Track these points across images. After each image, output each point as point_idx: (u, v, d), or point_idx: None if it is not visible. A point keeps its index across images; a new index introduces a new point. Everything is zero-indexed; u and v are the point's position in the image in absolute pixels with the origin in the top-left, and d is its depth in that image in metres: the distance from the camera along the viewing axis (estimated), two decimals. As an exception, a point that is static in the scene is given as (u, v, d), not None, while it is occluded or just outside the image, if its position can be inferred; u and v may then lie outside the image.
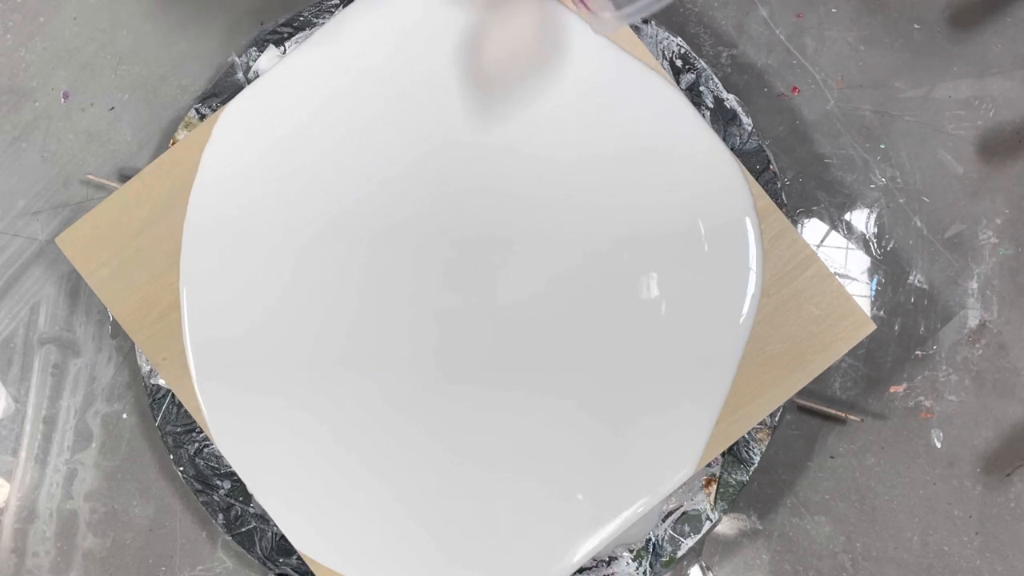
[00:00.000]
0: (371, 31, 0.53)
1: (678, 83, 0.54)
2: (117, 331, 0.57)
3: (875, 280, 0.57)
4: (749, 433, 0.53)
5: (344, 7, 0.54)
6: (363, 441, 0.51)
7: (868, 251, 0.57)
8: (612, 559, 0.53)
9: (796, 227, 0.56)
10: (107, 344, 0.57)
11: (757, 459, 0.53)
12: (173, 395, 0.53)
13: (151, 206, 0.52)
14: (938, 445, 0.56)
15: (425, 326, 0.52)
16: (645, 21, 0.54)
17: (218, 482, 0.53)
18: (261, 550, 0.53)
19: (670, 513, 0.53)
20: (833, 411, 0.55)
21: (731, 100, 0.54)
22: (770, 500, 0.56)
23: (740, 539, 0.56)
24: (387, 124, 0.52)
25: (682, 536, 0.53)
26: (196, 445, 0.53)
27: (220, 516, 0.53)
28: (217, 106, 0.55)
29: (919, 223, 0.57)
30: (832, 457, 0.56)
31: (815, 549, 0.56)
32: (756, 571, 0.56)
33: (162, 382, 0.53)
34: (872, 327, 0.52)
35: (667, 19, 0.57)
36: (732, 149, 0.53)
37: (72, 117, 0.58)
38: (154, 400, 0.54)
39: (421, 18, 0.53)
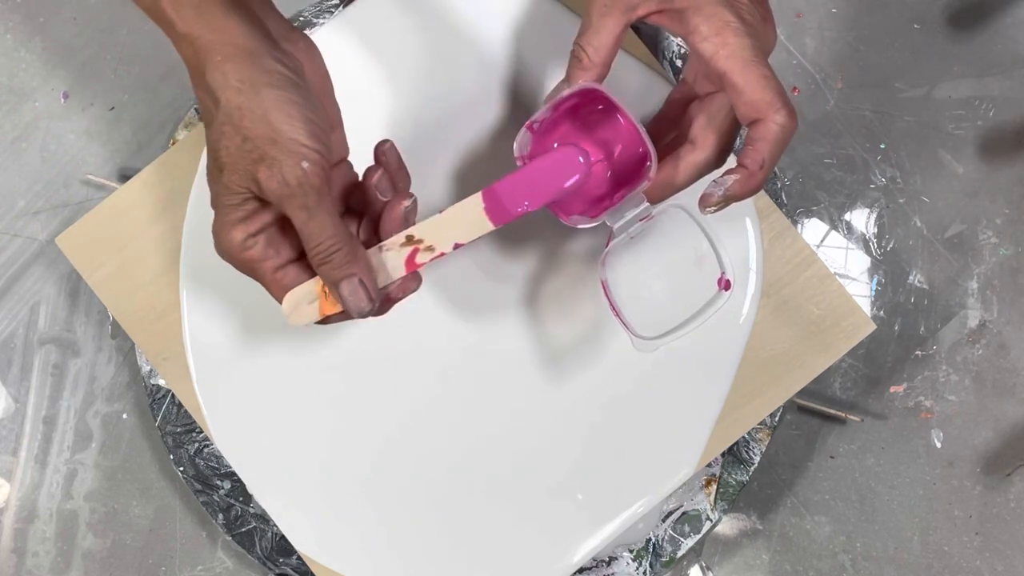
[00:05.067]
0: (371, 31, 0.53)
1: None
2: (117, 331, 0.57)
3: (875, 280, 0.57)
4: (749, 433, 0.53)
5: (344, 7, 0.54)
6: (363, 441, 0.51)
7: (868, 251, 0.57)
8: (612, 559, 0.53)
9: (796, 227, 0.55)
10: (107, 344, 0.57)
11: (757, 459, 0.53)
12: (173, 395, 0.53)
13: (151, 206, 0.52)
14: (938, 445, 0.56)
15: (428, 329, 0.52)
16: (643, 21, 0.54)
17: (218, 482, 0.53)
18: (261, 550, 0.53)
19: (670, 513, 0.53)
20: (833, 411, 0.55)
21: (731, 100, 0.54)
22: (770, 500, 0.56)
23: (740, 539, 0.56)
24: (385, 131, 0.52)
25: (682, 536, 0.53)
26: (196, 445, 0.53)
27: (220, 516, 0.53)
28: (217, 106, 0.55)
29: (919, 223, 0.57)
30: (832, 457, 0.56)
31: (815, 549, 0.56)
32: (756, 571, 0.56)
33: (162, 382, 0.53)
34: (872, 327, 0.52)
35: (667, 19, 0.57)
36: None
37: (72, 117, 0.58)
38: (154, 400, 0.54)
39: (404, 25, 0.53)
